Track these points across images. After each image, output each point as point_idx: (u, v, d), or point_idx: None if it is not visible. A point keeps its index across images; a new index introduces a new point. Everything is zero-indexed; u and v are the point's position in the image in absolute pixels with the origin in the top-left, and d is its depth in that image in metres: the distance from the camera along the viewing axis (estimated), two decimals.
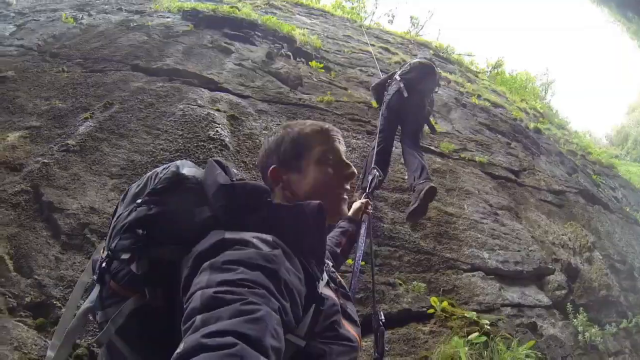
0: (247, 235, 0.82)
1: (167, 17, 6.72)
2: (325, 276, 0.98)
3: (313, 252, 0.94)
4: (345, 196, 1.11)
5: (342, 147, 1.13)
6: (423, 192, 3.19)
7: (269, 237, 0.83)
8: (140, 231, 0.90)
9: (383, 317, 1.46)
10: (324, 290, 0.93)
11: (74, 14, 6.35)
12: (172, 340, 0.70)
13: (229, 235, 0.82)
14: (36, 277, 2.34)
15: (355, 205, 1.94)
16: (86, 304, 0.95)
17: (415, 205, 3.26)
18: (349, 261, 3.06)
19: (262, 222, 0.88)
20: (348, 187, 1.12)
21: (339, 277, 1.12)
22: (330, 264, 1.12)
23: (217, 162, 1.02)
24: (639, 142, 18.67)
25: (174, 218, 0.93)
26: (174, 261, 0.87)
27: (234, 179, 0.98)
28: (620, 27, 13.42)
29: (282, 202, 1.05)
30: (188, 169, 1.02)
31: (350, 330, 0.95)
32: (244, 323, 0.60)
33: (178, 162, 1.05)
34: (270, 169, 1.09)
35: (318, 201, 0.93)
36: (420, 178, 3.34)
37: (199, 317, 0.62)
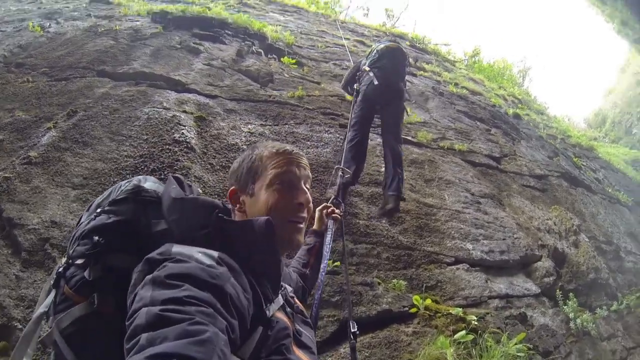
0: (193, 250, 0.81)
1: (136, 21, 6.56)
2: (280, 300, 0.96)
3: (265, 271, 0.92)
4: (300, 225, 1.04)
5: (300, 172, 1.07)
6: (388, 206, 3.35)
7: (214, 253, 0.82)
8: (96, 238, 0.94)
9: (356, 328, 1.40)
10: (276, 313, 0.91)
11: (42, 22, 6.14)
12: (116, 354, 0.72)
13: (175, 248, 0.82)
14: None
15: (316, 215, 1.77)
16: (41, 308, 0.96)
17: (381, 212, 3.47)
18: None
19: (211, 237, 0.88)
20: (303, 214, 1.05)
21: (297, 302, 1.10)
22: (289, 288, 1.10)
23: (176, 178, 1.05)
24: (617, 124, 18.99)
25: (131, 228, 0.97)
26: (127, 270, 0.86)
27: (189, 195, 1.00)
28: (595, 10, 13.54)
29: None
30: (150, 183, 1.08)
31: (301, 357, 0.91)
32: (190, 345, 0.59)
33: (141, 177, 1.11)
34: (230, 189, 1.09)
35: (266, 217, 0.92)
36: (390, 189, 3.39)
37: (144, 336, 0.61)
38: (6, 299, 2.22)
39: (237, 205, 1.06)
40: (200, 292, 0.69)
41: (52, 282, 0.98)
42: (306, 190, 1.07)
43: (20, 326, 2.12)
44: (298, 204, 1.03)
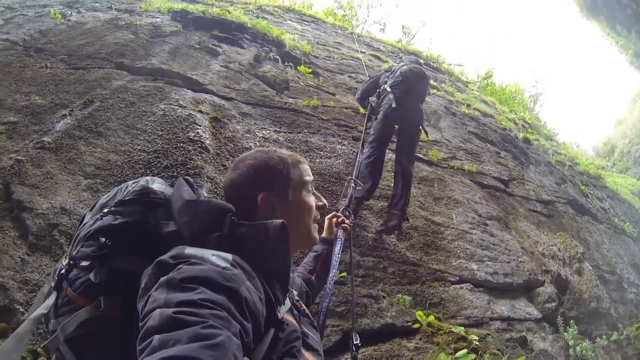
0: (207, 252, 0.81)
1: (157, 17, 6.60)
2: (288, 302, 0.97)
3: (276, 272, 0.94)
4: (316, 224, 1.17)
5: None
6: (391, 223, 3.45)
7: (229, 256, 0.82)
8: (103, 239, 0.92)
9: (358, 340, 1.41)
10: (285, 315, 0.93)
11: (63, 10, 6.19)
12: (121, 357, 0.70)
13: (188, 250, 0.82)
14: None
15: (325, 223, 1.78)
16: (40, 309, 0.93)
17: (383, 228, 3.55)
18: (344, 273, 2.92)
19: (224, 239, 0.88)
20: (319, 216, 1.19)
21: (303, 305, 1.13)
22: (295, 292, 1.13)
23: (186, 180, 1.04)
24: (625, 154, 18.92)
25: (139, 230, 0.95)
26: (134, 272, 0.86)
27: (200, 197, 1.00)
28: (610, 40, 13.66)
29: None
30: (157, 185, 1.06)
31: (309, 359, 0.94)
32: (202, 349, 0.58)
33: (148, 177, 1.08)
34: (261, 195, 1.07)
35: (281, 220, 0.93)
36: (396, 207, 3.49)
37: (156, 338, 0.61)
38: (10, 281, 2.21)
39: (268, 211, 1.05)
40: (215, 295, 0.69)
41: (53, 283, 0.95)
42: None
43: (22, 309, 2.11)
44: (322, 206, 1.19)
